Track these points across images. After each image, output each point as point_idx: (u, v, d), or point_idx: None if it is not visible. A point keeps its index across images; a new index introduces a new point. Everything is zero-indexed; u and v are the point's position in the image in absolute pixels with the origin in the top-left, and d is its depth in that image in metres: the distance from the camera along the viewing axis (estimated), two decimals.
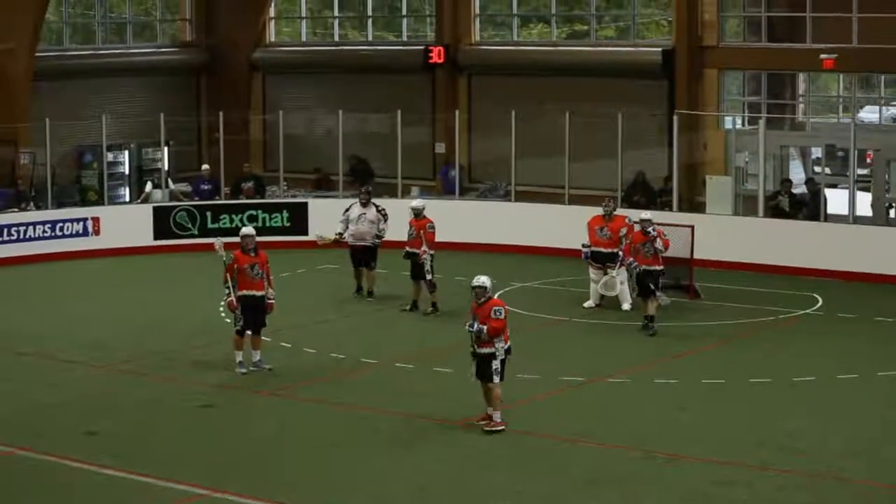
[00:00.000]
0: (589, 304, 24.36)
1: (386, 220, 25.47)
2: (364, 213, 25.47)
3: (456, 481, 14.97)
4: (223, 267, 19.71)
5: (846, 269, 26.80)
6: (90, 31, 38.10)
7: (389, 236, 25.50)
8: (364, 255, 25.46)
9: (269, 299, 19.78)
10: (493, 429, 16.70)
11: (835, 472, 15.16)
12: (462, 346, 20.87)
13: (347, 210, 25.81)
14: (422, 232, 23.84)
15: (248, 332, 19.79)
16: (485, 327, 16.66)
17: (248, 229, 20.25)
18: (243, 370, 19.64)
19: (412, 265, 23.93)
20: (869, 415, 17.56)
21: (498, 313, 16.72)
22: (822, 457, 15.73)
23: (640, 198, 30.40)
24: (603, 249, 23.95)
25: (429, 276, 23.72)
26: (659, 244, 22.01)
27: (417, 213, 24.14)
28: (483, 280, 16.97)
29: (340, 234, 25.65)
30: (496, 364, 16.76)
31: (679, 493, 14.55)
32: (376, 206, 25.69)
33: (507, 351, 16.88)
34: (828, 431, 16.77)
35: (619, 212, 25.17)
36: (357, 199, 26.00)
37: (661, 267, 22.14)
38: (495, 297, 17.46)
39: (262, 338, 20.04)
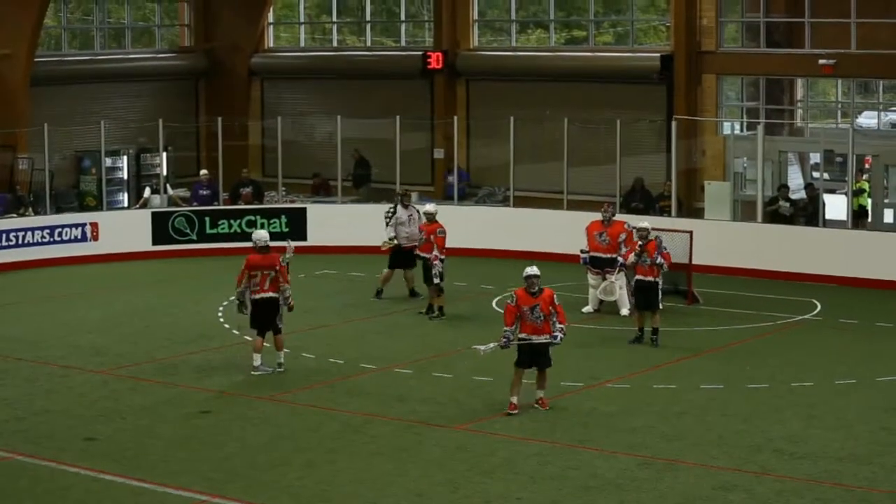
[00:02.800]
0: (588, 309, 24.37)
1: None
2: (412, 215, 25.78)
3: (455, 488, 14.95)
4: (286, 268, 20.09)
5: (844, 275, 26.81)
6: (89, 37, 38.13)
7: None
8: (411, 256, 25.59)
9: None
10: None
11: (834, 477, 15.15)
12: (460, 350, 20.89)
13: (392, 214, 26.09)
14: (432, 237, 23.96)
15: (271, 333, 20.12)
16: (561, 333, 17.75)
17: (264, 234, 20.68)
18: (267, 370, 19.87)
19: (424, 269, 24.05)
20: (868, 420, 17.54)
21: (558, 299, 17.79)
22: (820, 462, 15.72)
23: (639, 203, 30.40)
24: (602, 255, 23.96)
25: (436, 280, 23.84)
26: (659, 259, 21.74)
27: (430, 218, 24.26)
28: (537, 269, 17.77)
29: (393, 238, 25.71)
30: (551, 350, 17.79)
31: (678, 498, 14.54)
32: (414, 208, 26.09)
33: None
34: (826, 437, 16.76)
35: (618, 217, 25.17)
36: (397, 202, 26.32)
37: (658, 279, 21.77)
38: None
39: (265, 342, 20.20)
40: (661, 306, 21.85)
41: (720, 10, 32.40)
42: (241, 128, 36.44)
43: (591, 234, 24.26)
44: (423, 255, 24.15)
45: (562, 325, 17.67)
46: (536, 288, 17.59)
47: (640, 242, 21.85)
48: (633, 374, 19.98)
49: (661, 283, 21.85)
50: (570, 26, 36.40)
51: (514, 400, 17.65)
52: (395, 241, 25.49)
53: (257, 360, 19.96)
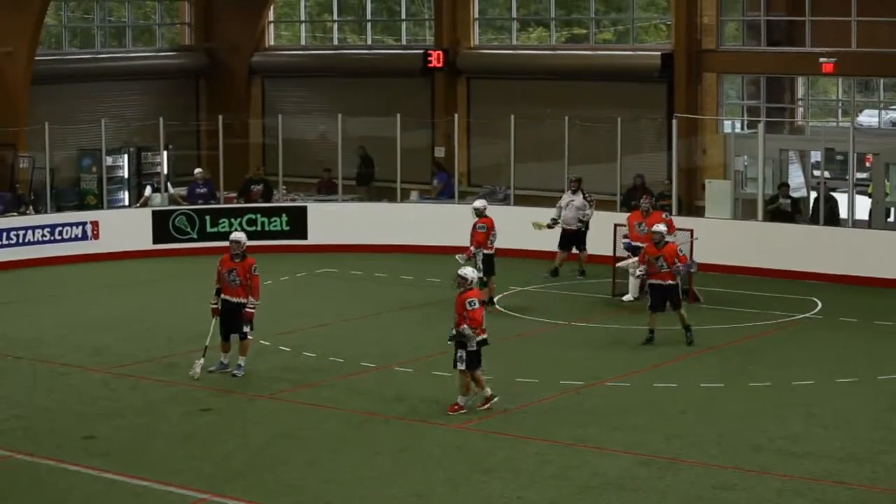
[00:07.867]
0: (629, 297, 24.63)
1: (592, 207, 27.15)
2: (572, 200, 27.15)
3: (455, 486, 14.94)
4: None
5: (845, 273, 26.80)
6: (89, 35, 38.11)
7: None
8: (571, 239, 27.13)
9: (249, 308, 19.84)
10: (454, 412, 17.52)
11: (834, 476, 15.14)
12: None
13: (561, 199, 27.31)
14: (473, 232, 24.40)
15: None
16: (465, 328, 17.28)
17: (239, 235, 20.43)
18: (210, 369, 19.77)
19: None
20: (868, 419, 17.54)
21: (472, 304, 17.43)
22: (821, 461, 15.71)
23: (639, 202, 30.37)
24: (640, 244, 24.29)
25: (479, 274, 23.97)
26: (678, 264, 21.64)
27: (478, 214, 24.54)
28: (464, 271, 17.76)
29: (555, 219, 27.10)
30: (461, 353, 17.42)
31: (678, 497, 14.53)
32: (583, 193, 27.15)
33: (482, 343, 17.48)
34: (827, 436, 16.76)
35: (623, 215, 25.36)
36: (568, 188, 27.45)
37: (676, 282, 21.61)
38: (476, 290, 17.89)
39: (250, 341, 20.05)
40: (682, 304, 21.82)
41: (721, 9, 32.36)
42: (241, 126, 36.44)
43: (631, 223, 24.93)
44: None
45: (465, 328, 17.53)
46: (462, 289, 17.58)
47: (646, 256, 21.91)
48: (634, 373, 19.96)
49: (679, 283, 21.83)
50: (570, 24, 36.36)
51: (461, 401, 17.68)
52: (553, 222, 26.97)
53: (223, 358, 20.04)
